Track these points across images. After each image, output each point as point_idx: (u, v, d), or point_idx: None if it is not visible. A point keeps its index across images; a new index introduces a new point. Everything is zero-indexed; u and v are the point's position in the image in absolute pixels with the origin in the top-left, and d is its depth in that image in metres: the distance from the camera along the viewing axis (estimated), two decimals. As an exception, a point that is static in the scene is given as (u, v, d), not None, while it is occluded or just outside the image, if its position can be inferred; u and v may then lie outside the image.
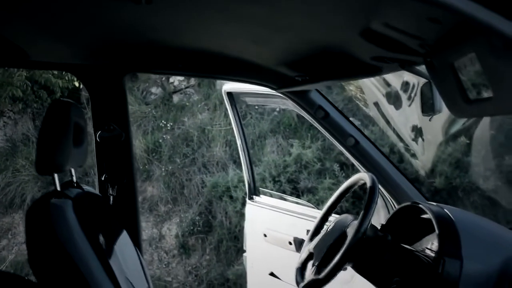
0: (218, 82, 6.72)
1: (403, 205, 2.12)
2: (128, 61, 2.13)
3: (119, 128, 2.18)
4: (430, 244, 1.96)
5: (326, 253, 1.93)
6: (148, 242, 6.16)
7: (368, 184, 1.88)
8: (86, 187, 2.00)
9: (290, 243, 2.87)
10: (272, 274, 3.07)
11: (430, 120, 1.56)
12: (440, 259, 1.80)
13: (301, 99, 2.24)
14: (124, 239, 2.09)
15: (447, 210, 1.95)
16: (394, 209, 2.26)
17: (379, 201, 2.53)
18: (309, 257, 2.05)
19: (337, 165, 5.87)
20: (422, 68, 1.55)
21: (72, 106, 1.83)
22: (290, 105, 2.67)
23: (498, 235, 1.94)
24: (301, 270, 2.05)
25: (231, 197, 5.92)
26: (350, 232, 1.84)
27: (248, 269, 3.32)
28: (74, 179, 1.96)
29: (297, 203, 3.26)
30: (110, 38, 1.91)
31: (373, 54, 1.49)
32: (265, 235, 3.07)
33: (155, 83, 7.08)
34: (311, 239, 2.12)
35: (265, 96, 2.97)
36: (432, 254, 1.89)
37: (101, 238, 1.84)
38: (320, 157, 6.01)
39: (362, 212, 1.82)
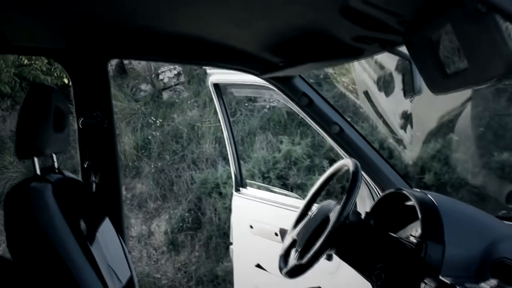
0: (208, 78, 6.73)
1: (387, 192, 2.11)
2: (110, 47, 2.11)
3: (102, 114, 2.16)
4: (414, 231, 1.96)
5: (309, 239, 1.93)
6: (137, 238, 6.14)
7: (351, 169, 1.87)
8: (68, 173, 1.98)
9: (276, 234, 2.86)
10: (258, 265, 3.06)
11: (411, 101, 1.55)
12: (423, 243, 1.80)
13: (285, 86, 2.22)
14: (106, 226, 2.07)
15: (430, 195, 1.95)
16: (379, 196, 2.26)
17: (365, 190, 2.53)
18: (293, 244, 2.04)
19: (327, 162, 5.88)
20: (403, 49, 1.55)
21: (53, 91, 1.81)
22: (278, 97, 2.66)
23: (481, 221, 1.94)
24: (285, 257, 2.04)
25: (220, 193, 5.91)
26: (333, 216, 1.83)
27: (235, 261, 3.31)
28: (56, 164, 1.94)
29: (283, 194, 3.25)
30: (91, 23, 1.89)
31: (353, 34, 1.48)
32: (251, 227, 3.06)
33: (145, 80, 7.06)
34: (295, 226, 2.11)
35: (251, 87, 2.96)
36: (416, 241, 1.89)
37: (82, 224, 1.81)
38: (310, 154, 6.01)
39: (344, 197, 1.81)
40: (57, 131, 1.80)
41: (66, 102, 1.91)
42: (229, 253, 3.41)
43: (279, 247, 2.69)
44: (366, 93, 5.86)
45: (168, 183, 6.32)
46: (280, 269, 2.00)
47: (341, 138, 2.28)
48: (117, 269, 2.02)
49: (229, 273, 5.56)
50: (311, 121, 2.29)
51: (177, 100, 6.86)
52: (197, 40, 1.97)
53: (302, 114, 2.30)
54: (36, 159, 1.76)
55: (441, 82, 1.19)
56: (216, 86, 3.11)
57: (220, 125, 3.32)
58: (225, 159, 6.17)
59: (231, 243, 3.32)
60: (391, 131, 5.85)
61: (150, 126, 6.67)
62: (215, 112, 6.49)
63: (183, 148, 6.50)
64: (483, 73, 0.96)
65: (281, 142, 6.19)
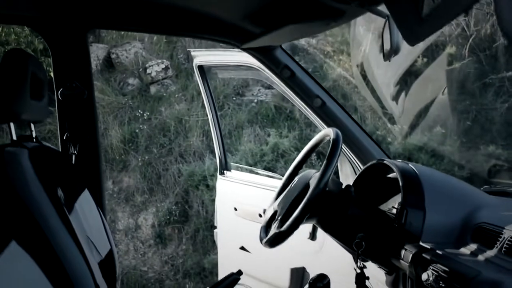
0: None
1: (369, 164, 2.11)
2: (89, 16, 2.09)
3: (81, 85, 2.13)
4: (397, 204, 1.95)
5: (289, 207, 1.91)
6: (124, 232, 6.10)
7: (332, 137, 1.86)
8: (46, 143, 1.96)
9: (261, 216, 2.84)
10: (242, 248, 3.04)
11: (389, 61, 1.55)
12: (403, 210, 1.80)
13: (267, 58, 2.20)
14: (85, 198, 2.04)
15: (412, 165, 1.95)
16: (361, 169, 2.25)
17: (348, 168, 2.53)
18: (274, 215, 2.02)
19: (314, 154, 5.87)
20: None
21: (31, 57, 1.78)
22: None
23: (462, 190, 1.94)
24: (266, 228, 2.03)
25: (207, 185, 5.89)
26: (313, 183, 1.82)
27: (219, 245, 3.29)
28: (34, 134, 1.91)
29: (267, 176, 3.24)
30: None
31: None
32: (235, 209, 3.04)
33: (132, 74, 7.03)
34: (277, 198, 2.09)
35: (236, 68, 2.95)
36: (397, 209, 1.88)
37: (60, 192, 1.78)
38: (297, 146, 6.00)
39: (324, 163, 1.80)
40: (34, 99, 1.77)
41: (44, 72, 1.88)
42: (214, 237, 3.38)
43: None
44: (360, 65, 5.90)
45: (155, 176, 6.29)
46: (261, 240, 1.98)
47: (323, 111, 2.27)
48: (96, 242, 1.98)
49: (216, 265, 5.54)
50: (293, 94, 2.27)
51: (164, 94, 6.84)
52: (177, 9, 1.95)
53: (283, 87, 2.28)
54: (12, 125, 1.74)
55: (417, 30, 1.19)
56: (201, 68, 3.09)
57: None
58: (213, 152, 6.14)
59: (215, 227, 3.30)
60: (382, 106, 5.90)
61: (137, 119, 6.64)
62: (203, 106, 6.48)
63: (170, 141, 6.47)
64: (455, 4, 0.96)
65: (269, 135, 6.18)
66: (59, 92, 2.14)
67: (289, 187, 2.03)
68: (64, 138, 2.16)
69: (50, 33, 2.11)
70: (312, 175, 1.91)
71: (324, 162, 1.80)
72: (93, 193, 2.08)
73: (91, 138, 2.18)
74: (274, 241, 1.87)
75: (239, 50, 2.64)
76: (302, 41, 7.30)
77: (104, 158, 6.40)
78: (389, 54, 1.53)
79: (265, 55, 2.19)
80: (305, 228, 2.62)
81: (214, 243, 5.72)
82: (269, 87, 6.97)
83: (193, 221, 5.96)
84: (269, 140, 6.06)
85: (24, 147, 1.72)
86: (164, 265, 5.87)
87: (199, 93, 6.78)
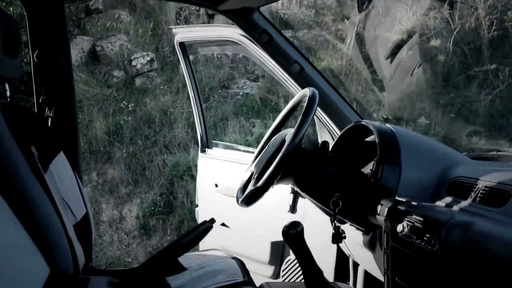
0: (181, 66, 6.70)
1: (348, 127, 2.11)
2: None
3: (57, 48, 2.11)
4: (374, 166, 1.94)
5: (265, 165, 1.90)
6: (108, 223, 6.05)
7: (308, 95, 1.85)
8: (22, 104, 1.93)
9: (241, 190, 2.83)
10: (223, 224, 3.02)
11: (365, 10, 1.55)
12: (380, 165, 1.80)
13: (245, 22, 2.19)
14: (61, 160, 2.01)
15: (389, 125, 1.95)
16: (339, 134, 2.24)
17: (327, 135, 2.52)
18: (251, 176, 2.01)
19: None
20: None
21: (4, 14, 1.76)
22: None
23: (437, 148, 1.95)
24: (243, 189, 2.01)
25: (192, 176, 5.86)
26: (288, 139, 1.81)
27: (200, 222, 3.27)
28: (8, 93, 1.89)
29: (248, 152, 3.23)
30: None
31: None
32: (216, 185, 3.02)
33: (117, 66, 7.00)
34: (254, 161, 2.08)
35: (217, 43, 2.94)
36: (373, 167, 1.88)
37: (33, 150, 1.76)
38: (282, 136, 6.00)
39: (299, 119, 1.79)
40: (8, 55, 1.75)
41: (18, 29, 1.86)
42: (195, 216, 3.36)
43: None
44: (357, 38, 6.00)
45: (140, 167, 6.26)
46: (237, 200, 1.97)
47: (301, 77, 2.26)
48: (72, 204, 1.96)
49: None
50: (272, 59, 2.26)
51: (149, 86, 6.82)
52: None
53: (262, 53, 2.27)
54: None
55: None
56: (182, 45, 3.08)
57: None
58: (198, 143, 6.12)
59: (197, 205, 3.28)
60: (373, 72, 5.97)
61: (122, 111, 6.60)
62: (188, 98, 6.46)
63: (155, 133, 6.44)
64: None
65: (254, 125, 6.18)
66: (34, 54, 2.12)
67: (265, 148, 2.02)
68: (40, 101, 2.14)
69: None
70: (288, 132, 1.90)
71: (299, 118, 1.79)
72: (69, 156, 2.06)
73: (68, 101, 2.16)
74: (250, 198, 1.86)
75: (220, 25, 2.63)
76: (288, 34, 7.32)
77: (88, 149, 6.36)
78: (362, 3, 1.53)
79: (243, 18, 2.18)
80: (285, 201, 2.62)
81: (198, 234, 5.70)
82: (255, 79, 6.97)
83: (177, 212, 5.93)
84: (254, 131, 6.06)
85: None
86: (149, 256, 5.84)
87: (184, 86, 6.76)
